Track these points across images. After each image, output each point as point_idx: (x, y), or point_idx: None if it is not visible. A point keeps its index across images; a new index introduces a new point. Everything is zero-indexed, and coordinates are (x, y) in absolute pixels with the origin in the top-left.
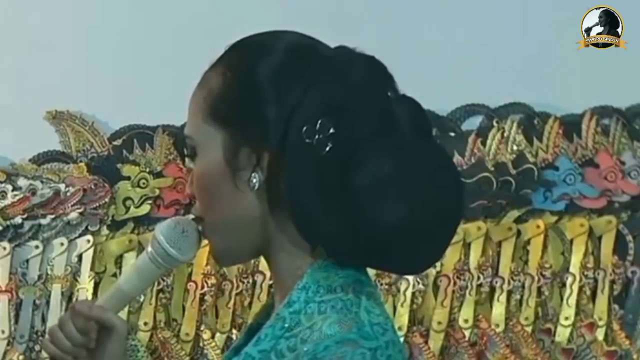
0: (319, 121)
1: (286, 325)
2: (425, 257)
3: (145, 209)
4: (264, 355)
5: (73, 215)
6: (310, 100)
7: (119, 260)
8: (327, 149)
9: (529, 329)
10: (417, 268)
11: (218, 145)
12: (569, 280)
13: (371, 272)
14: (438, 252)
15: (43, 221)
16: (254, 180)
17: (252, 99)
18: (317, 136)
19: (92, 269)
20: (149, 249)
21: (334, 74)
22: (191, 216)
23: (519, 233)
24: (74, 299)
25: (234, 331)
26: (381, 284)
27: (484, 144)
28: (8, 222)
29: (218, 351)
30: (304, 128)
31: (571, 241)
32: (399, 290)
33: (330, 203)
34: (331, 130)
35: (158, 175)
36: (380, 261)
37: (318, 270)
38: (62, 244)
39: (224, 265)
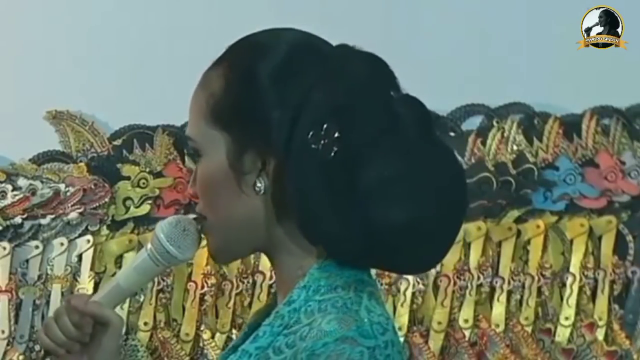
0: (324, 126)
1: (285, 322)
2: (431, 256)
3: (145, 209)
4: (261, 351)
5: (73, 215)
6: (314, 102)
7: (119, 260)
8: (333, 153)
9: (529, 329)
10: (421, 267)
11: (222, 148)
12: (569, 280)
13: (371, 271)
14: (442, 251)
15: (43, 221)
16: (259, 185)
17: (255, 103)
18: (322, 141)
19: (92, 269)
20: (149, 246)
21: (336, 74)
22: (193, 215)
23: (519, 233)
24: None
25: (234, 331)
26: (381, 284)
27: (484, 144)
28: (8, 222)
29: (218, 351)
30: (310, 133)
31: (571, 241)
32: (399, 290)
33: (337, 206)
34: (336, 135)
35: (158, 175)
36: (386, 262)
37: (320, 270)
38: (62, 244)
39: (221, 262)
